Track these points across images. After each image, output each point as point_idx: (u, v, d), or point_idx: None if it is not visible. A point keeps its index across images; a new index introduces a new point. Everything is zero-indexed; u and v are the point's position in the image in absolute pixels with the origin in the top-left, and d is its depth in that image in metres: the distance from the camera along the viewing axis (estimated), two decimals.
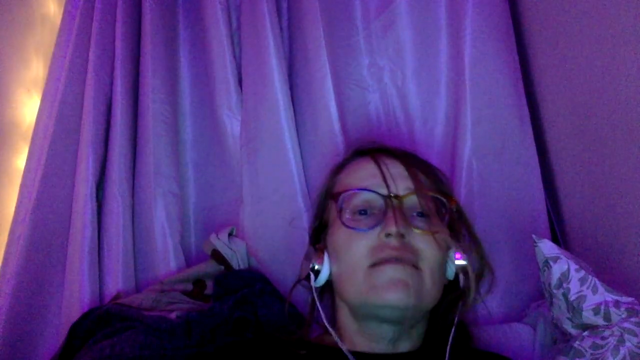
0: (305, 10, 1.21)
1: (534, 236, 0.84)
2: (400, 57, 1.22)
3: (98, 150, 1.19)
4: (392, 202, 0.74)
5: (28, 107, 1.35)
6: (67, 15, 1.33)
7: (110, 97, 1.23)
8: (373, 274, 0.72)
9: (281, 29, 1.25)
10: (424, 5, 1.20)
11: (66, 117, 1.21)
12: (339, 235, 0.77)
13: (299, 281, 0.83)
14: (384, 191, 0.76)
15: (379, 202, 0.76)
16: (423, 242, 0.74)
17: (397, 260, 0.72)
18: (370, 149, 0.85)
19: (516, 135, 1.09)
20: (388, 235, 0.73)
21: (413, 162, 0.80)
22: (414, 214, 0.76)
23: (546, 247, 0.82)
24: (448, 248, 0.77)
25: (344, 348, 0.74)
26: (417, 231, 0.74)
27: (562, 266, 0.80)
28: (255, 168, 1.18)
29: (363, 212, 0.77)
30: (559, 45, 1.03)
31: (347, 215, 0.77)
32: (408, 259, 0.72)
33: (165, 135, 1.21)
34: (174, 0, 1.33)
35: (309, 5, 1.19)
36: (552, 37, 1.05)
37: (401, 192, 0.76)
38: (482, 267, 0.79)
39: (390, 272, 0.71)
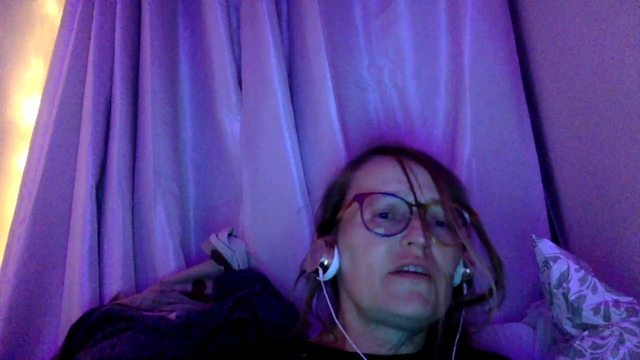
0: (305, 11, 1.21)
1: (533, 236, 0.84)
2: (399, 57, 1.22)
3: (98, 150, 1.19)
4: (418, 211, 0.74)
5: (28, 107, 1.35)
6: (67, 15, 1.33)
7: (110, 97, 1.23)
8: (392, 283, 0.72)
9: (281, 29, 1.25)
10: (423, 5, 1.20)
11: (66, 117, 1.22)
12: (356, 235, 0.76)
13: (302, 273, 0.82)
14: (410, 198, 0.75)
15: (403, 208, 0.75)
16: (441, 253, 0.74)
17: (417, 272, 0.71)
18: (394, 148, 0.83)
19: (516, 135, 1.09)
20: (410, 243, 0.72)
21: (438, 170, 0.79)
22: (435, 222, 0.76)
23: (546, 247, 0.82)
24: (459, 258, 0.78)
25: (359, 351, 0.73)
26: (437, 242, 0.73)
27: (561, 266, 0.80)
28: (255, 168, 1.18)
29: (384, 215, 0.76)
30: (559, 45, 1.03)
31: (367, 217, 0.76)
32: (428, 270, 0.72)
33: (165, 135, 1.21)
34: (174, 0, 1.33)
35: (309, 6, 1.19)
36: (552, 37, 1.05)
37: (426, 201, 0.75)
38: (499, 282, 0.78)
39: (410, 284, 0.71)
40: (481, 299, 0.79)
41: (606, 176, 0.92)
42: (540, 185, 1.08)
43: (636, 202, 0.84)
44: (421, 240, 0.71)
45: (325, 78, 1.16)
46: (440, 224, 0.76)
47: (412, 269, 0.72)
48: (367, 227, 0.75)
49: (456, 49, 1.14)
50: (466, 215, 0.78)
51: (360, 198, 0.77)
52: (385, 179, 0.78)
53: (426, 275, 0.72)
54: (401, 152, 0.81)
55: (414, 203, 0.74)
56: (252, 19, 1.22)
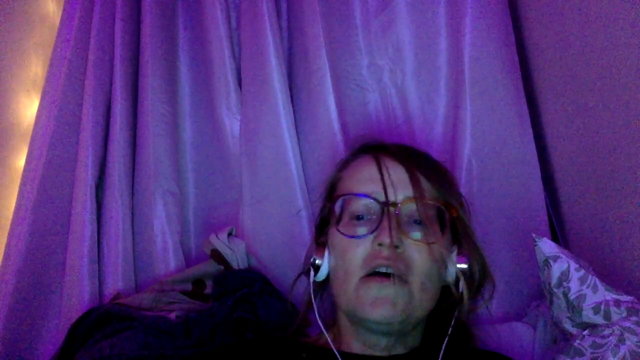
0: (304, 10, 1.21)
1: (533, 235, 0.84)
2: (399, 57, 1.22)
3: (98, 150, 1.19)
4: (388, 210, 0.73)
5: (28, 107, 1.35)
6: (67, 15, 1.33)
7: (110, 97, 1.23)
8: (362, 288, 0.72)
9: (281, 28, 1.25)
10: (423, 5, 1.20)
11: (66, 117, 1.21)
12: (336, 238, 0.77)
13: (300, 275, 0.83)
14: (382, 198, 0.74)
15: (376, 208, 0.74)
16: (417, 252, 0.73)
17: (386, 274, 0.71)
18: (373, 146, 0.83)
19: (516, 135, 1.09)
20: (380, 244, 0.72)
21: (416, 165, 0.78)
22: (412, 220, 0.75)
23: (546, 246, 0.82)
24: (444, 257, 0.75)
25: (335, 350, 0.74)
26: (411, 241, 0.73)
27: (562, 265, 0.80)
28: (255, 168, 1.18)
29: (360, 217, 0.76)
30: (559, 45, 1.03)
31: (344, 219, 0.76)
32: (398, 271, 0.71)
33: (165, 135, 1.21)
34: (174, 0, 1.33)
35: (309, 5, 1.20)
36: (552, 36, 1.05)
37: (399, 199, 0.74)
38: (483, 275, 0.78)
39: (377, 289, 0.71)
40: (471, 295, 0.77)
41: (606, 176, 0.92)
42: (540, 184, 1.08)
43: (636, 202, 0.84)
44: (387, 240, 0.70)
45: (324, 77, 1.16)
46: (419, 222, 0.75)
47: (382, 269, 0.71)
48: (339, 231, 0.75)
49: (456, 49, 1.14)
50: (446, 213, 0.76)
51: (332, 201, 0.78)
52: (361, 179, 0.78)
53: (398, 277, 0.71)
54: (379, 150, 0.80)
55: (386, 202, 0.73)
56: (252, 18, 1.22)
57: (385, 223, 0.72)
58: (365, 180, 0.77)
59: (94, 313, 0.98)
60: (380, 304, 0.70)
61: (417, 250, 0.73)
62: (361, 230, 0.74)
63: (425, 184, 0.76)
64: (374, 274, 0.71)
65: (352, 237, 0.74)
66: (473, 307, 0.78)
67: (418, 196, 0.74)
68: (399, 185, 0.75)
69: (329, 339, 0.76)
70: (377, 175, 0.76)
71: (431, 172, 0.79)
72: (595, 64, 0.91)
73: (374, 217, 0.75)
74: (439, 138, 1.18)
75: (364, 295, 0.71)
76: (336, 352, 0.74)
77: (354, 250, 0.74)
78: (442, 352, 0.74)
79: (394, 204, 0.73)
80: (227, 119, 1.25)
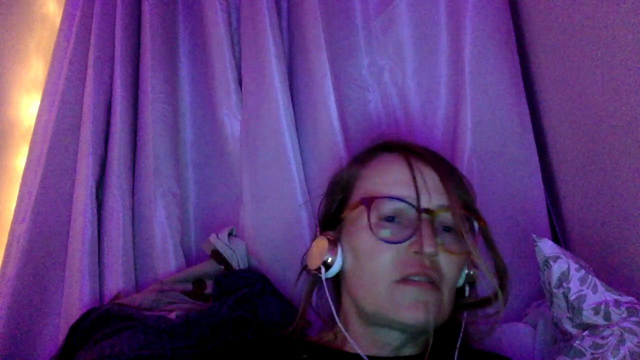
0: (305, 10, 1.21)
1: (534, 235, 0.84)
2: (400, 57, 1.22)
3: (98, 150, 1.19)
4: (425, 218, 0.71)
5: (28, 107, 1.35)
6: (67, 15, 1.33)
7: (110, 97, 1.23)
8: (397, 291, 0.70)
9: (281, 28, 1.25)
10: (423, 5, 1.20)
11: (66, 117, 1.21)
12: (361, 239, 0.74)
13: (304, 269, 0.81)
14: (417, 202, 0.72)
15: (411, 213, 0.72)
16: (447, 261, 0.72)
17: (422, 281, 0.70)
18: (401, 146, 0.80)
19: (516, 135, 1.09)
20: (417, 252, 0.70)
21: (446, 173, 0.76)
22: (442, 228, 0.74)
23: (546, 247, 0.82)
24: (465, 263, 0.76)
25: (361, 352, 0.73)
26: (444, 250, 0.72)
27: (562, 265, 0.80)
28: (255, 168, 1.18)
29: (390, 218, 0.73)
30: (559, 45, 1.03)
31: (372, 220, 0.73)
32: (434, 279, 0.70)
33: (165, 135, 1.21)
34: (174, 1, 1.33)
35: (309, 5, 1.20)
36: (552, 36, 1.05)
37: (434, 207, 0.72)
38: (503, 289, 0.76)
39: (415, 293, 0.69)
40: (483, 303, 0.77)
41: (606, 176, 0.92)
42: (541, 185, 1.08)
43: (636, 202, 0.84)
44: (430, 250, 0.69)
45: (325, 77, 1.16)
46: (447, 229, 0.74)
47: (416, 278, 0.70)
48: (374, 234, 0.72)
49: (456, 48, 1.14)
50: (475, 222, 0.76)
51: (368, 202, 0.74)
52: (392, 180, 0.75)
53: (431, 283, 0.70)
54: (409, 152, 0.78)
55: (423, 209, 0.72)
56: (252, 18, 1.23)
57: (425, 232, 0.70)
58: (398, 183, 0.74)
59: (94, 313, 0.98)
60: (418, 307, 0.69)
61: (448, 258, 0.72)
62: (395, 234, 0.72)
63: (455, 192, 0.75)
64: (408, 280, 0.70)
65: (392, 242, 0.71)
66: (488, 315, 0.78)
67: (454, 206, 0.72)
68: (433, 191, 0.73)
69: (351, 341, 0.74)
70: (409, 179, 0.74)
71: (458, 180, 0.78)
72: (596, 64, 0.91)
73: (406, 222, 0.73)
74: (439, 137, 1.18)
75: (400, 299, 0.70)
76: (364, 356, 0.72)
77: (383, 254, 0.72)
78: (456, 352, 0.74)
79: (430, 211, 0.72)
80: (227, 119, 1.25)
